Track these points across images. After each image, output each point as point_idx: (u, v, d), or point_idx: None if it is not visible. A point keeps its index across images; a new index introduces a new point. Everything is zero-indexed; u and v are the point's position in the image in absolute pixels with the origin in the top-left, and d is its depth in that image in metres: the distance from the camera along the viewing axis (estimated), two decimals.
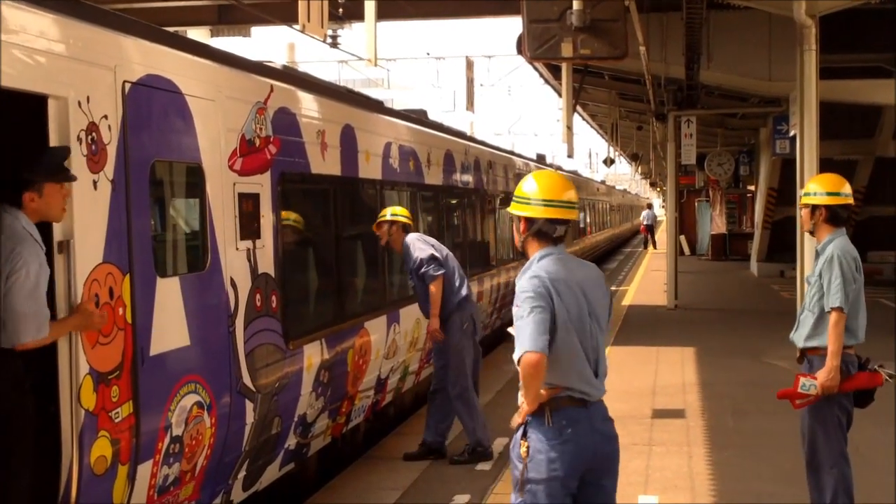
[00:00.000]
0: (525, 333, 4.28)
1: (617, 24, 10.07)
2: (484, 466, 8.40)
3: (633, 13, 11.34)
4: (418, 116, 12.92)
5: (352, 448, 9.57)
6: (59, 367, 4.71)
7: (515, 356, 4.32)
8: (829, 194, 6.26)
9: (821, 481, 6.19)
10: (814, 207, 6.28)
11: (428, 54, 36.67)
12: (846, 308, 6.03)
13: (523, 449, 4.39)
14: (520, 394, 4.47)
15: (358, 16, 14.70)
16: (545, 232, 4.55)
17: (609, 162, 32.54)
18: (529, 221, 4.56)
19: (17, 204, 4.64)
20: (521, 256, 4.72)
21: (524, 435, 4.42)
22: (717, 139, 29.43)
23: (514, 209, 4.61)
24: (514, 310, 4.41)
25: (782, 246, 26.68)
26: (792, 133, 15.29)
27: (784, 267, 26.61)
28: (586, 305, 4.49)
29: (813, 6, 12.66)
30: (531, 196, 4.56)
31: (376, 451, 9.27)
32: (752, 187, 34.28)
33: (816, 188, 6.34)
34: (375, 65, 10.59)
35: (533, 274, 4.44)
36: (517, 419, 4.46)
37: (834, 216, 6.25)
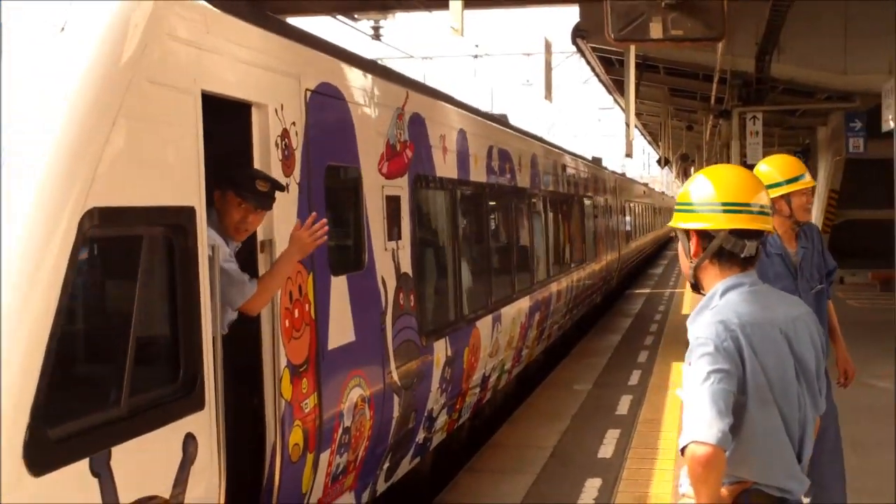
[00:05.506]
0: (698, 412, 3.07)
1: (714, 0, 8.71)
2: (604, 453, 8.49)
3: None
4: (503, 119, 13.19)
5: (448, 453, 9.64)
6: (262, 359, 4.99)
7: (681, 441, 3.12)
8: None
9: None
10: None
11: (476, 46, 36.54)
12: None
13: None
14: (685, 482, 3.31)
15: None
16: (730, 252, 3.33)
17: (664, 162, 32.57)
18: (703, 236, 3.35)
19: None
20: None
21: None
22: (774, 139, 29.33)
23: (679, 220, 3.42)
24: (685, 367, 3.26)
25: (842, 252, 26.32)
26: (891, 126, 14.53)
27: (843, 273, 26.31)
28: (792, 361, 3.28)
29: None
30: (705, 200, 3.34)
31: (477, 464, 9.12)
32: None
33: None
34: (462, 35, 9.99)
35: (718, 318, 3.21)
36: None
37: None
